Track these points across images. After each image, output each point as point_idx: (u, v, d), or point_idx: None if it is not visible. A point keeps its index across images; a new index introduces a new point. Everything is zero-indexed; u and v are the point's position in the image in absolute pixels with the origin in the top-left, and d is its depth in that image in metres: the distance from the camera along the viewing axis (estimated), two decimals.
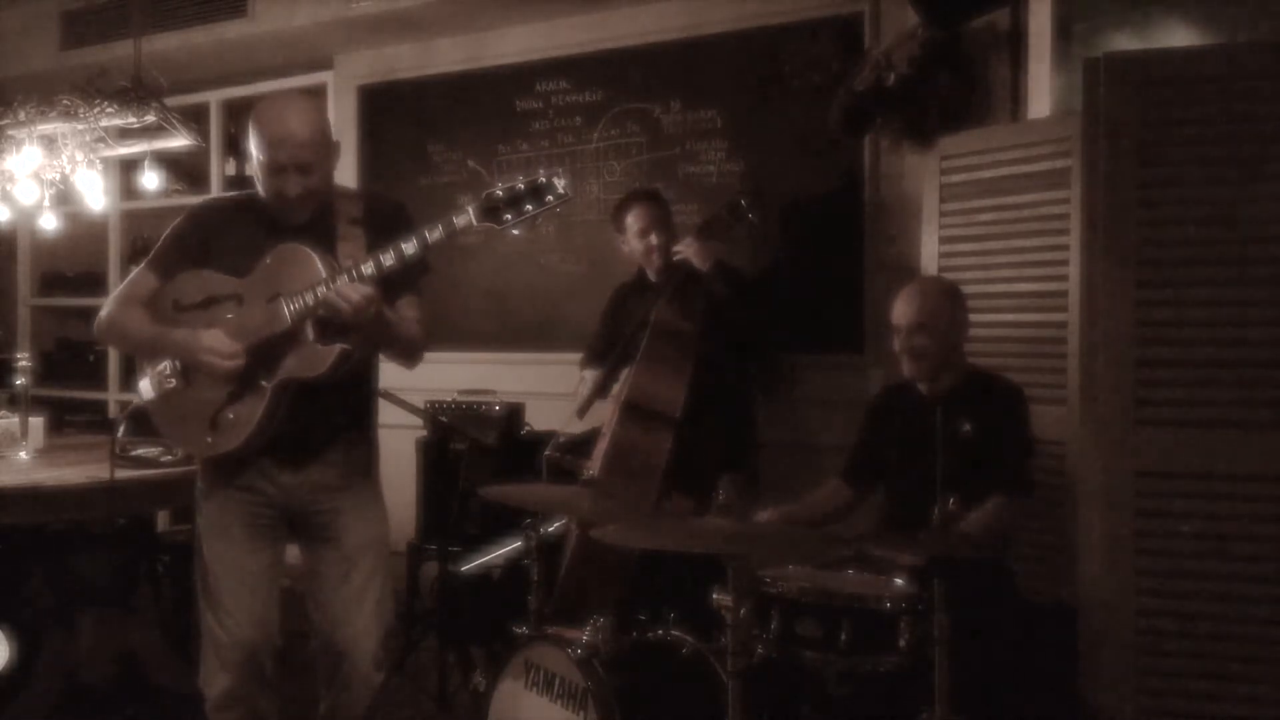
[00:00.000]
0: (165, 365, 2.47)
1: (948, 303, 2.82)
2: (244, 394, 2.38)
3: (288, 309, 2.33)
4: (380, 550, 2.57)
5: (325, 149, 2.40)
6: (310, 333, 2.35)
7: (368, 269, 2.31)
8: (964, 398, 2.75)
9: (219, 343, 2.35)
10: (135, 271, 2.55)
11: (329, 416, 2.47)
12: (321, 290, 2.29)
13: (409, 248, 2.32)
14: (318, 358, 2.35)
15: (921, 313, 2.79)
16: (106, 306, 2.53)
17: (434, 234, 2.32)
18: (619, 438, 3.16)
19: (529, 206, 2.31)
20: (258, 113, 2.39)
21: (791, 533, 2.65)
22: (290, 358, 2.36)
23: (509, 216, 2.31)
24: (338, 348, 2.33)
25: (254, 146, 2.37)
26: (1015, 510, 2.74)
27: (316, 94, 5.07)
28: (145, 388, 2.51)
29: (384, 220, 2.47)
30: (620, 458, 3.13)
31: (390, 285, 2.40)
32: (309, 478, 2.47)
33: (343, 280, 2.28)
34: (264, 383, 2.37)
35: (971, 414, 2.64)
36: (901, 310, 2.83)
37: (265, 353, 2.37)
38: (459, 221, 2.32)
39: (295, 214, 2.41)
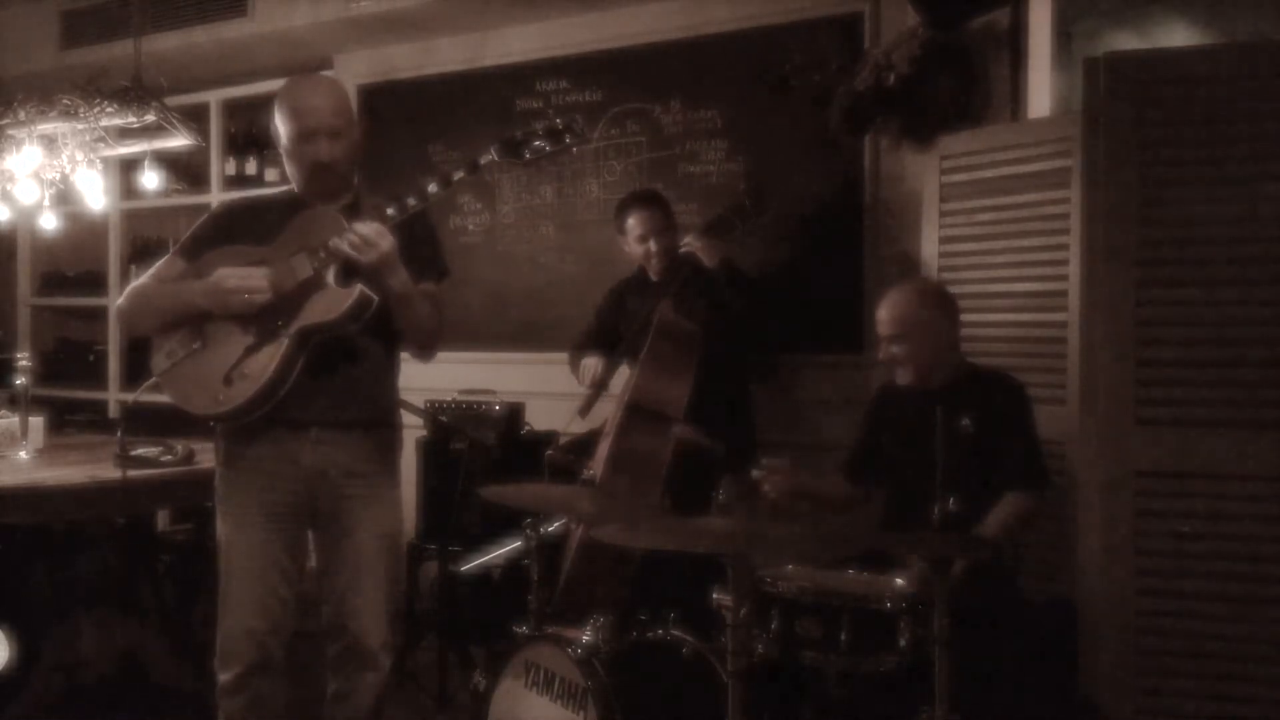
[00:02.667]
0: (182, 334, 2.49)
1: (921, 308, 2.79)
2: (263, 345, 2.41)
3: (310, 258, 2.39)
4: (394, 540, 2.59)
5: (350, 120, 2.51)
6: (332, 279, 2.40)
7: (392, 211, 2.38)
8: (963, 394, 2.75)
9: (242, 269, 2.42)
10: (164, 259, 2.62)
11: (352, 390, 2.49)
12: (347, 235, 2.34)
13: (433, 188, 2.41)
14: (337, 299, 2.38)
15: (894, 323, 2.79)
16: (131, 285, 2.60)
17: (458, 174, 2.43)
18: (622, 438, 3.15)
19: (547, 146, 2.44)
20: (283, 91, 2.50)
21: (791, 532, 2.65)
22: (310, 304, 2.40)
23: (529, 154, 2.44)
24: (357, 288, 2.37)
25: (282, 121, 2.47)
26: (1033, 505, 2.71)
27: None
28: (158, 362, 2.51)
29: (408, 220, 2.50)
30: (624, 458, 3.12)
31: (411, 270, 2.43)
32: (330, 458, 2.48)
33: (362, 222, 2.34)
34: (283, 333, 2.40)
35: (970, 409, 2.64)
36: (880, 319, 2.84)
37: (287, 304, 2.41)
38: (483, 160, 2.44)
39: (324, 183, 2.47)
